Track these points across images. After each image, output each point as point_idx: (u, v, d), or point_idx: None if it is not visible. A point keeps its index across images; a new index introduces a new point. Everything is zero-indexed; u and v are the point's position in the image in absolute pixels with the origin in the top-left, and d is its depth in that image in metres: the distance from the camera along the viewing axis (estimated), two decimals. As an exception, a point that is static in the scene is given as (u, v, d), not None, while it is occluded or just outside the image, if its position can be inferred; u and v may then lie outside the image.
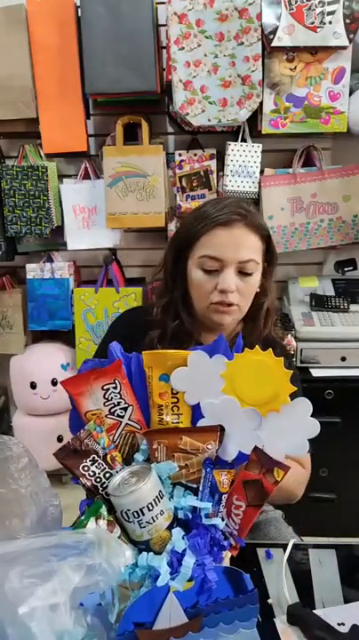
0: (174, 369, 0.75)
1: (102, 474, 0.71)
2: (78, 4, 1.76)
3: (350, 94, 1.79)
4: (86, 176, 1.99)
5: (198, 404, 0.75)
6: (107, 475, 0.71)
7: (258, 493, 0.69)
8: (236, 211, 1.00)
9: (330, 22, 1.69)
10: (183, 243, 1.06)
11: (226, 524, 0.71)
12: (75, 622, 0.57)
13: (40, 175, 1.89)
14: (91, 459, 0.70)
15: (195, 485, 0.71)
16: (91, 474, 0.70)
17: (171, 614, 0.62)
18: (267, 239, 1.06)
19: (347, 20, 1.69)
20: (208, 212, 1.03)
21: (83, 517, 0.67)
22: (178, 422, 0.76)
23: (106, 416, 0.75)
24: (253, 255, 1.01)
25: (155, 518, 0.68)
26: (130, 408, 0.76)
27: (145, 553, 0.67)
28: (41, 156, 1.97)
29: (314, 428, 0.71)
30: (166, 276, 1.12)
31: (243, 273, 1.01)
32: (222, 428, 0.72)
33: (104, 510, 0.68)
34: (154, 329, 1.09)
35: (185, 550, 0.66)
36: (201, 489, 0.70)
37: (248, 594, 0.64)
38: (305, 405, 0.71)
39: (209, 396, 0.74)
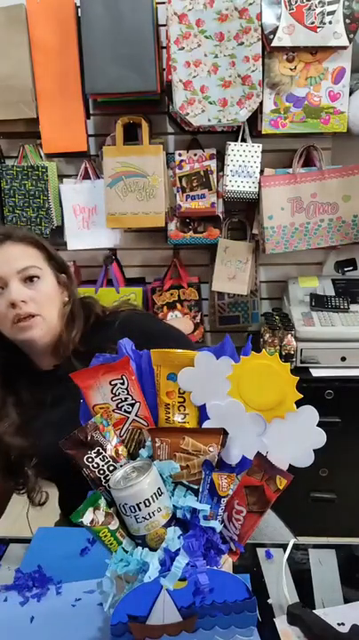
0: (182, 368, 0.75)
1: (106, 466, 0.71)
2: (78, 4, 1.76)
3: (350, 94, 1.79)
4: (86, 176, 1.99)
5: (205, 404, 0.75)
6: (112, 468, 0.72)
7: (259, 500, 0.68)
8: (0, 233, 1.08)
9: (330, 22, 1.69)
10: None
11: (226, 528, 0.71)
12: None
13: (40, 175, 1.89)
14: (95, 451, 0.71)
15: (196, 486, 0.71)
16: (95, 465, 0.71)
17: (165, 611, 0.62)
18: (40, 247, 1.10)
19: (347, 20, 1.69)
20: None
21: (81, 507, 0.67)
22: (184, 422, 0.76)
23: (113, 411, 0.76)
24: (30, 262, 1.06)
25: (152, 514, 0.68)
26: (137, 404, 0.76)
27: (140, 548, 0.68)
28: (41, 156, 1.97)
29: (319, 438, 0.68)
30: None
31: (29, 280, 1.05)
32: (226, 432, 0.72)
33: (102, 502, 0.68)
34: None
35: (179, 550, 0.66)
36: (201, 490, 0.70)
37: (246, 600, 0.64)
38: (311, 414, 0.69)
39: (215, 397, 0.73)
